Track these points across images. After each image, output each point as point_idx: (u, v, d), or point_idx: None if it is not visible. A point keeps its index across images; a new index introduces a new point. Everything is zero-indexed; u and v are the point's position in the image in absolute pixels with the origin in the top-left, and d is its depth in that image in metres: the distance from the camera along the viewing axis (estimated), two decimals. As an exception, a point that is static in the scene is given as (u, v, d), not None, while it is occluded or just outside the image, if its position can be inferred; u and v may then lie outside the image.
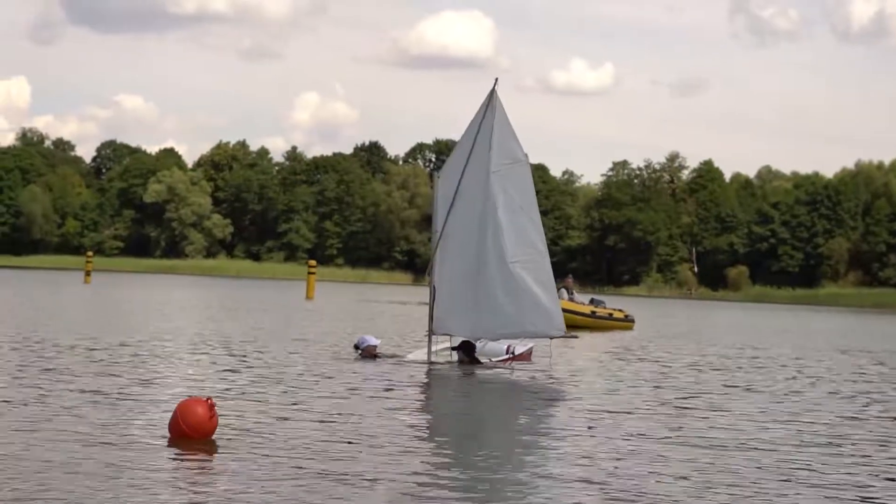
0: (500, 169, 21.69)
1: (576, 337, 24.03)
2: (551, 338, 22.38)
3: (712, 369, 24.86)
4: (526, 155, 22.08)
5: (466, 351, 21.98)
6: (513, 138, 21.93)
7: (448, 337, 22.59)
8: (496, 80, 21.97)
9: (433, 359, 22.23)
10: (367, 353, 22.34)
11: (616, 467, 11.64)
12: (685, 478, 11.24)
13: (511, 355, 23.08)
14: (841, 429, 15.56)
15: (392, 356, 22.83)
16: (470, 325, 21.96)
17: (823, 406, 18.38)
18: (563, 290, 41.50)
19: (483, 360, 22.29)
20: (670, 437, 13.90)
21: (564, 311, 39.79)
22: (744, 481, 11.18)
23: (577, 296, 42.37)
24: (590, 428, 14.39)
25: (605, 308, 42.19)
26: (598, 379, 21.51)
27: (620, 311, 43.00)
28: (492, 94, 21.91)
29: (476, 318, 21.82)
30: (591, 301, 42.83)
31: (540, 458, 12.34)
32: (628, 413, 16.10)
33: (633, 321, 42.35)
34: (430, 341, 22.39)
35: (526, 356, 23.72)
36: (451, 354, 22.33)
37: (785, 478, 11.51)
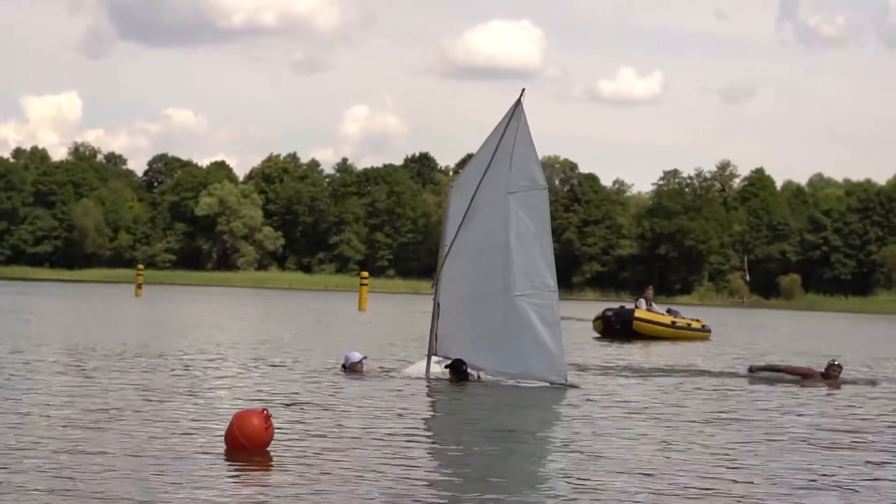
0: (518, 191, 20.22)
1: (575, 387, 20.03)
2: (550, 384, 20.13)
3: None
4: (546, 182, 20.70)
5: (457, 369, 20.61)
6: (535, 162, 20.41)
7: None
8: (523, 90, 20.22)
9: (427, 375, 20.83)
10: (353, 371, 21.33)
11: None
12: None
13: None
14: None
15: (380, 370, 21.94)
16: (471, 355, 20.59)
17: None
18: (643, 301, 42.06)
19: (474, 375, 20.82)
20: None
21: (646, 321, 40.76)
22: None
23: (656, 306, 42.76)
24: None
25: (682, 318, 42.54)
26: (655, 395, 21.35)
27: (697, 320, 43.48)
28: (516, 105, 20.19)
29: (477, 348, 20.52)
30: (668, 311, 43.15)
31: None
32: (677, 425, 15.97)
33: (709, 331, 42.81)
34: (429, 360, 20.98)
35: None
36: (443, 371, 20.83)
37: None
